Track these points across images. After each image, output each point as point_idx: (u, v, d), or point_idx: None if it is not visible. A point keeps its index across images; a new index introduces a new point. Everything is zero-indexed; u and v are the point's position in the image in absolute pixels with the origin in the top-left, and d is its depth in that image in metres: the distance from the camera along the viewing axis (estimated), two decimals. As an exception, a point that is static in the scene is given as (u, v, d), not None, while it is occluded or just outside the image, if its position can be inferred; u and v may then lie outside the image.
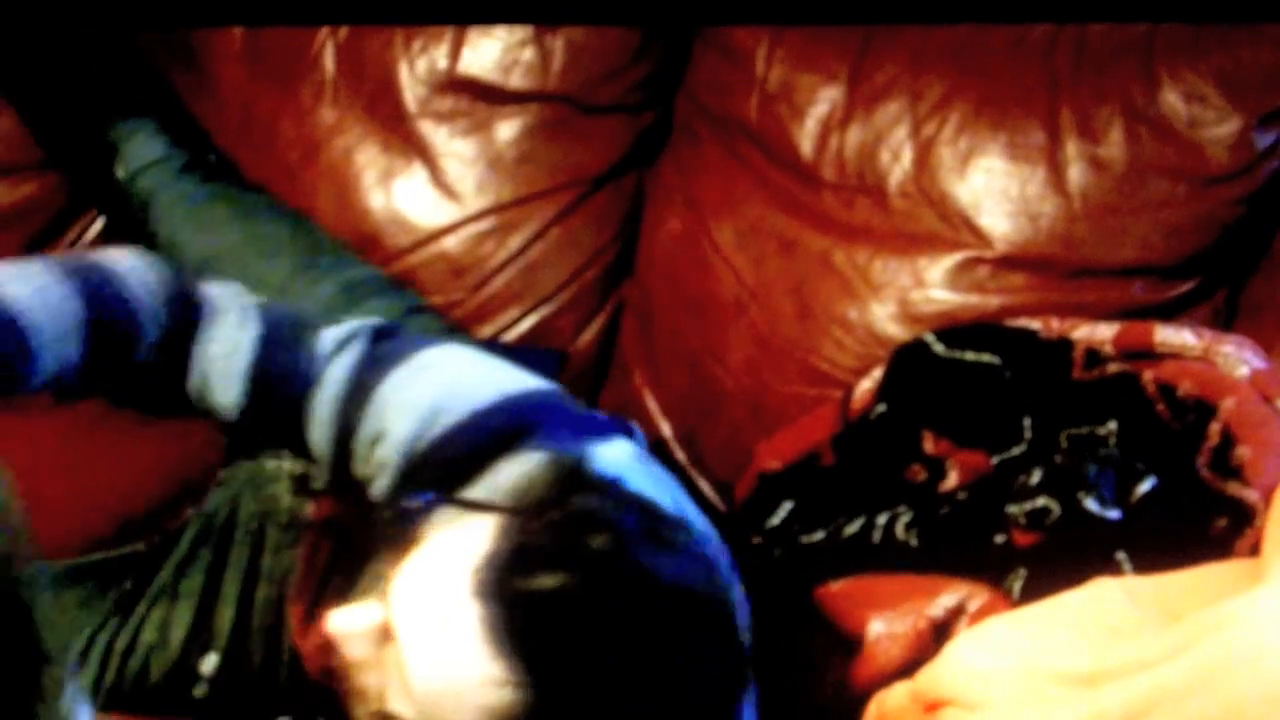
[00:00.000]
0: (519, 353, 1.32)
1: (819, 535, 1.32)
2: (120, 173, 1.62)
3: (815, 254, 1.52)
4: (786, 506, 1.37)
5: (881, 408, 1.37)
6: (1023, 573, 1.16)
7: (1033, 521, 1.18)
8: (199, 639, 1.22)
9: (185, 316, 1.10)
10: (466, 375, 1.11)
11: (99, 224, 1.74)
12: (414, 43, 1.66)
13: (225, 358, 1.09)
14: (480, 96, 1.66)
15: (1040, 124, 1.45)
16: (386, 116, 1.67)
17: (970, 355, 1.35)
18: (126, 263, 1.10)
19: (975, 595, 1.13)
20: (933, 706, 1.03)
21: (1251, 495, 1.11)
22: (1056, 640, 1.01)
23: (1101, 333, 1.30)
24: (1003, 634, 1.05)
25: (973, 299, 1.46)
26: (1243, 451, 1.13)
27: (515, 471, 1.01)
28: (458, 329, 1.60)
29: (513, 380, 1.12)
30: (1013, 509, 1.19)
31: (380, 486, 1.09)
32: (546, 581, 0.89)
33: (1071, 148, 1.44)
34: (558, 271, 1.66)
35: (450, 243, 1.65)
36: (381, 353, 1.11)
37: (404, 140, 1.66)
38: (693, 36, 1.68)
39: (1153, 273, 1.43)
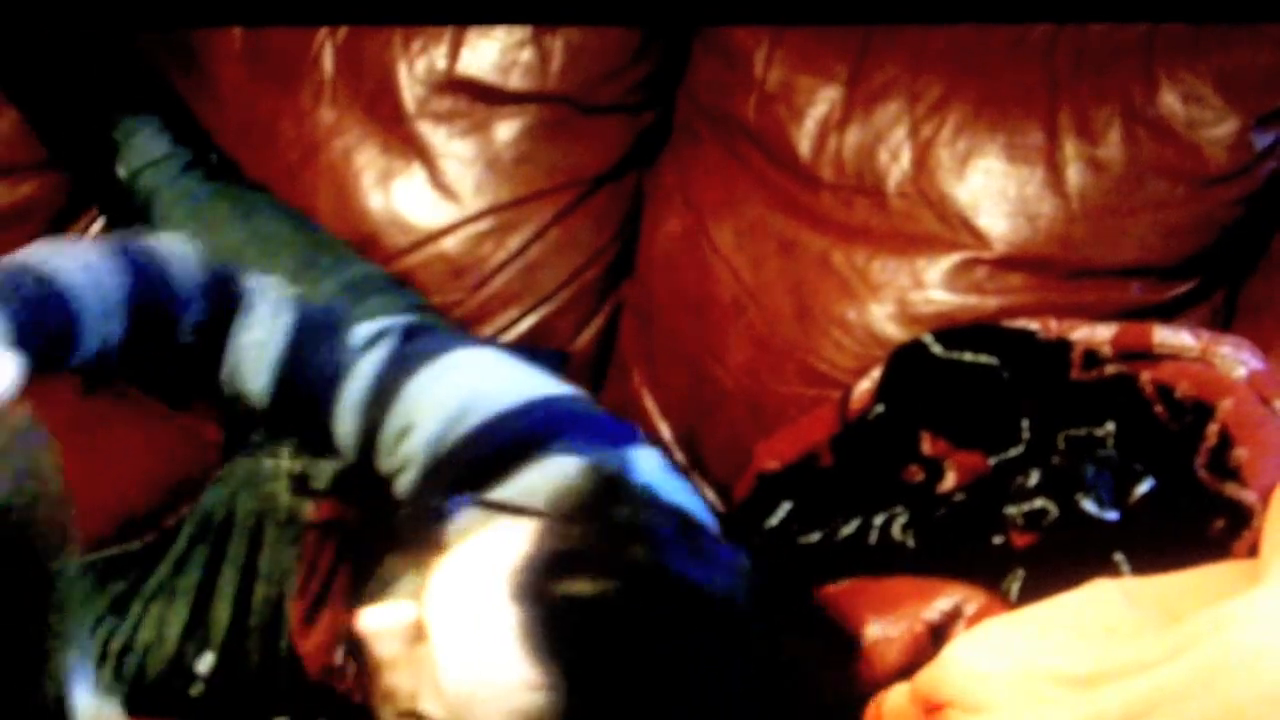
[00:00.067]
0: (520, 353, 1.32)
1: (816, 536, 1.32)
2: (121, 171, 1.62)
3: (814, 254, 1.52)
4: (785, 507, 1.37)
5: (880, 408, 1.37)
6: (1020, 574, 1.16)
7: (1030, 522, 1.18)
8: (195, 637, 1.22)
9: (224, 303, 1.11)
10: (494, 377, 1.12)
11: (99, 224, 1.74)
12: (413, 43, 1.66)
13: (258, 346, 1.10)
14: (479, 97, 1.66)
15: (1039, 124, 1.45)
16: (385, 117, 1.67)
17: (968, 356, 1.35)
18: (170, 247, 1.11)
19: (972, 598, 1.13)
20: (932, 708, 1.03)
21: (1249, 496, 1.11)
22: (1055, 641, 1.01)
23: (1100, 334, 1.30)
24: (1001, 635, 1.04)
25: (971, 300, 1.46)
26: (1240, 452, 1.13)
27: (548, 475, 1.02)
28: (458, 330, 1.60)
29: (539, 384, 1.13)
30: (1010, 510, 1.19)
31: (404, 483, 1.09)
32: (585, 588, 0.90)
33: (1070, 148, 1.44)
34: (557, 272, 1.66)
35: (449, 243, 1.65)
36: (412, 350, 1.12)
37: (403, 141, 1.66)
38: (692, 37, 1.68)
39: (1151, 273, 1.43)
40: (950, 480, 1.29)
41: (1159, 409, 1.21)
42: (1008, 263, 1.45)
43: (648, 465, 1.07)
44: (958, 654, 1.04)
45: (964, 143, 1.48)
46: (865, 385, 1.41)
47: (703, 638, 0.92)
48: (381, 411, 1.09)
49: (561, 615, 0.89)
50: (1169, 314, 1.43)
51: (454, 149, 1.66)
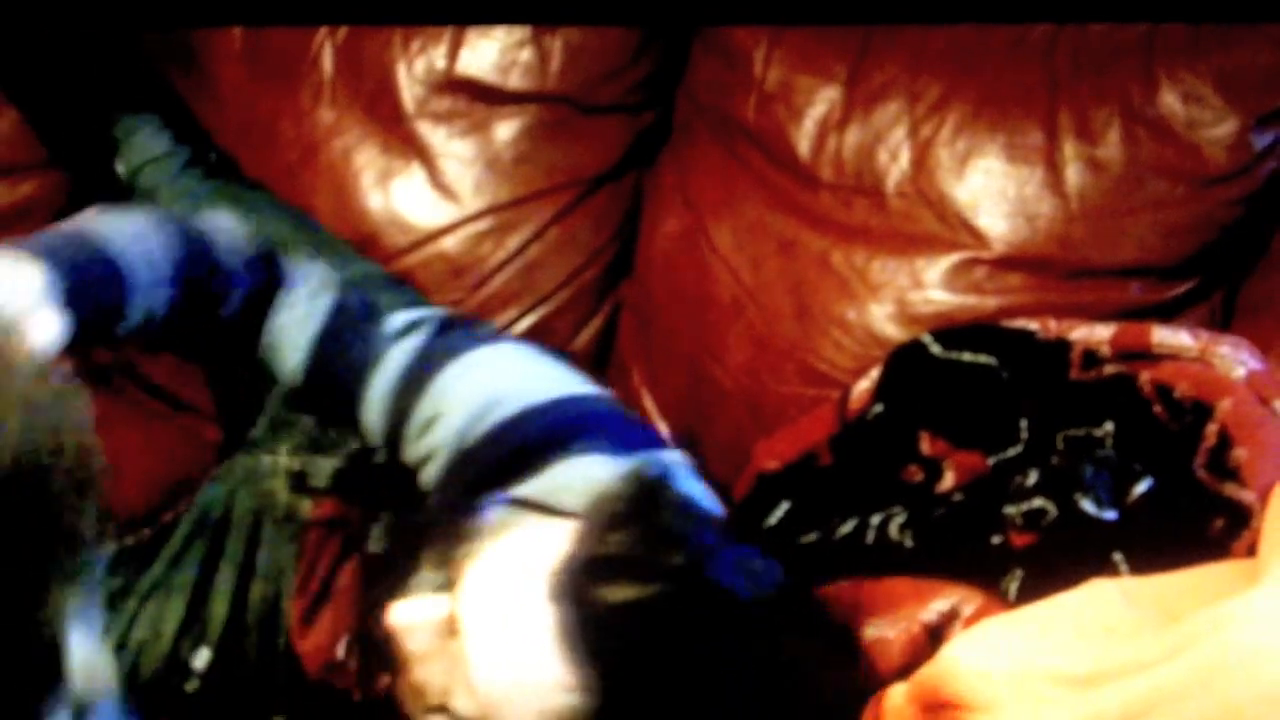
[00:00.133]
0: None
1: (813, 536, 1.32)
2: (121, 169, 1.62)
3: (813, 254, 1.52)
4: (784, 507, 1.37)
5: (879, 408, 1.37)
6: (1019, 574, 1.16)
7: (1029, 522, 1.18)
8: (191, 633, 1.22)
9: (268, 281, 1.12)
10: (524, 373, 1.13)
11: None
12: (412, 43, 1.67)
13: (296, 325, 1.12)
14: (479, 97, 1.66)
15: (1038, 125, 1.45)
16: (385, 117, 1.67)
17: (967, 356, 1.35)
18: (219, 223, 1.12)
19: (970, 599, 1.13)
20: (930, 708, 1.03)
21: (1248, 496, 1.11)
22: (1053, 641, 1.01)
23: (1099, 333, 1.30)
24: (1000, 635, 1.04)
25: (970, 299, 1.46)
26: (1239, 453, 1.13)
27: (577, 474, 1.02)
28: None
29: (569, 383, 1.13)
30: (1009, 510, 1.19)
31: (430, 475, 1.10)
32: (625, 592, 0.90)
33: (1070, 148, 1.44)
34: (556, 272, 1.66)
35: (449, 243, 1.65)
36: (445, 342, 1.13)
37: (402, 140, 1.66)
38: (691, 37, 1.68)
39: (1150, 273, 1.43)
40: (949, 480, 1.29)
41: (1158, 409, 1.21)
42: (1007, 263, 1.45)
43: (683, 472, 1.08)
44: (956, 653, 1.04)
45: (963, 143, 1.48)
46: (864, 385, 1.40)
47: (738, 647, 0.92)
48: (411, 400, 1.10)
49: (600, 619, 0.89)
50: (1168, 314, 1.43)
51: (453, 149, 1.66)
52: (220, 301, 1.10)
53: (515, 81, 1.65)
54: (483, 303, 1.65)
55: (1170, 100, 1.41)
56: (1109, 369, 1.26)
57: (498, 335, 1.17)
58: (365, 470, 1.27)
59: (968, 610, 1.13)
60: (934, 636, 1.12)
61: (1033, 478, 1.20)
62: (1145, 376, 1.23)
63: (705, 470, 1.55)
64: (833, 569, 1.24)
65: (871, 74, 1.54)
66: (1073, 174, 1.43)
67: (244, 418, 1.37)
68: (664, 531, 0.93)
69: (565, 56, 1.65)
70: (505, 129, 1.66)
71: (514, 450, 1.06)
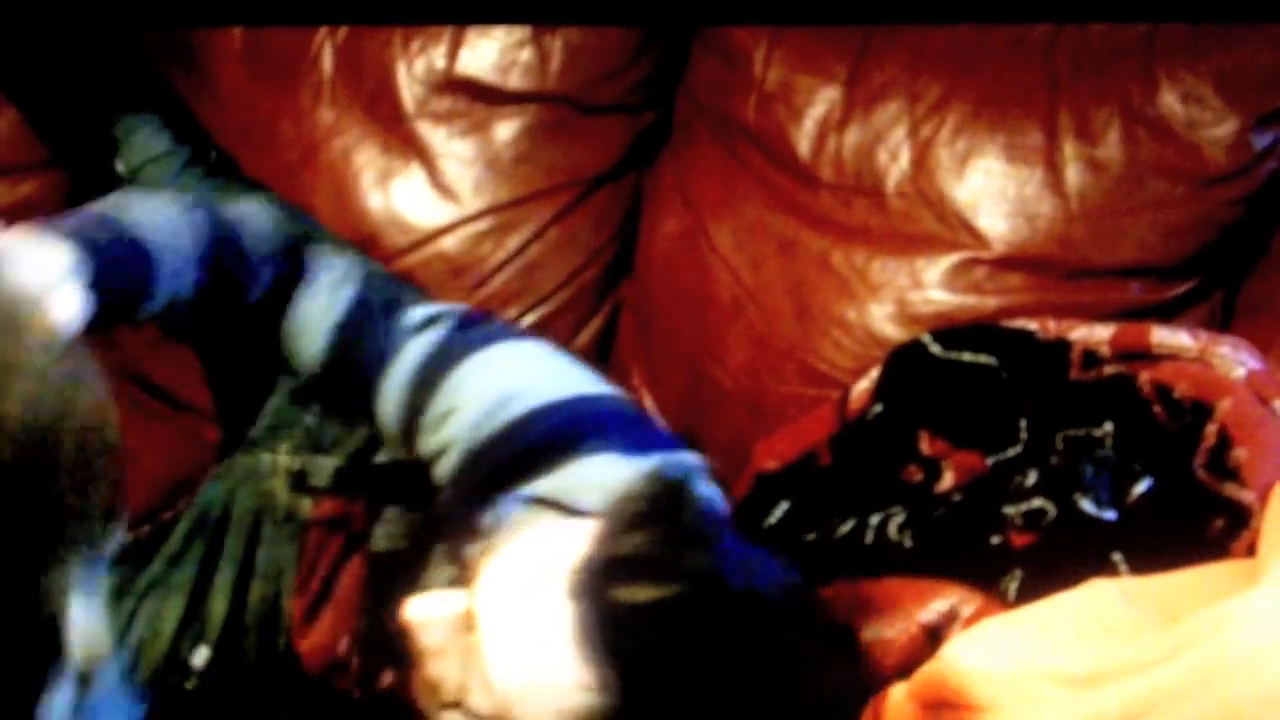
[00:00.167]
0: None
1: (813, 536, 1.32)
2: (121, 168, 1.62)
3: (813, 254, 1.52)
4: (783, 507, 1.37)
5: (878, 408, 1.37)
6: (1018, 574, 1.16)
7: (1029, 522, 1.18)
8: (190, 632, 1.22)
9: (293, 268, 1.13)
10: (542, 370, 1.13)
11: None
12: (412, 43, 1.66)
13: (318, 314, 1.13)
14: (478, 97, 1.66)
15: (1038, 125, 1.45)
16: (385, 117, 1.67)
17: (967, 356, 1.35)
18: (245, 209, 1.13)
19: (969, 600, 1.13)
20: (931, 708, 1.03)
21: (1248, 496, 1.11)
22: (1053, 641, 1.01)
23: (1099, 334, 1.30)
24: (999, 635, 1.04)
25: (970, 300, 1.46)
26: (1239, 453, 1.13)
27: (593, 473, 1.03)
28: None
29: (586, 382, 1.14)
30: (1009, 510, 1.19)
31: (444, 469, 1.10)
32: (645, 592, 0.89)
33: (1069, 148, 1.44)
34: (556, 272, 1.66)
35: (448, 243, 1.65)
36: (464, 337, 1.13)
37: (402, 140, 1.66)
38: (691, 37, 1.68)
39: (1150, 273, 1.43)
40: (948, 480, 1.29)
41: (1157, 409, 1.21)
42: (1007, 263, 1.45)
43: (700, 474, 1.08)
44: (956, 653, 1.04)
45: (963, 143, 1.48)
46: (864, 385, 1.40)
47: (757, 648, 0.92)
48: (427, 393, 1.10)
49: (619, 618, 0.89)
50: (1168, 314, 1.43)
51: (453, 149, 1.66)
52: (245, 288, 1.10)
53: (515, 81, 1.65)
54: (483, 303, 1.64)
55: (1170, 100, 1.41)
56: (1109, 369, 1.26)
57: (517, 332, 1.17)
58: (367, 469, 1.27)
59: (967, 611, 1.13)
60: (933, 637, 1.12)
61: (1032, 478, 1.20)
62: (1145, 377, 1.23)
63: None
64: (832, 569, 1.24)
65: (871, 74, 1.54)
66: (1073, 174, 1.43)
67: (244, 418, 1.37)
68: (685, 532, 0.93)
69: (565, 56, 1.65)
70: (505, 129, 1.66)
71: (529, 446, 1.06)
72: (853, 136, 1.53)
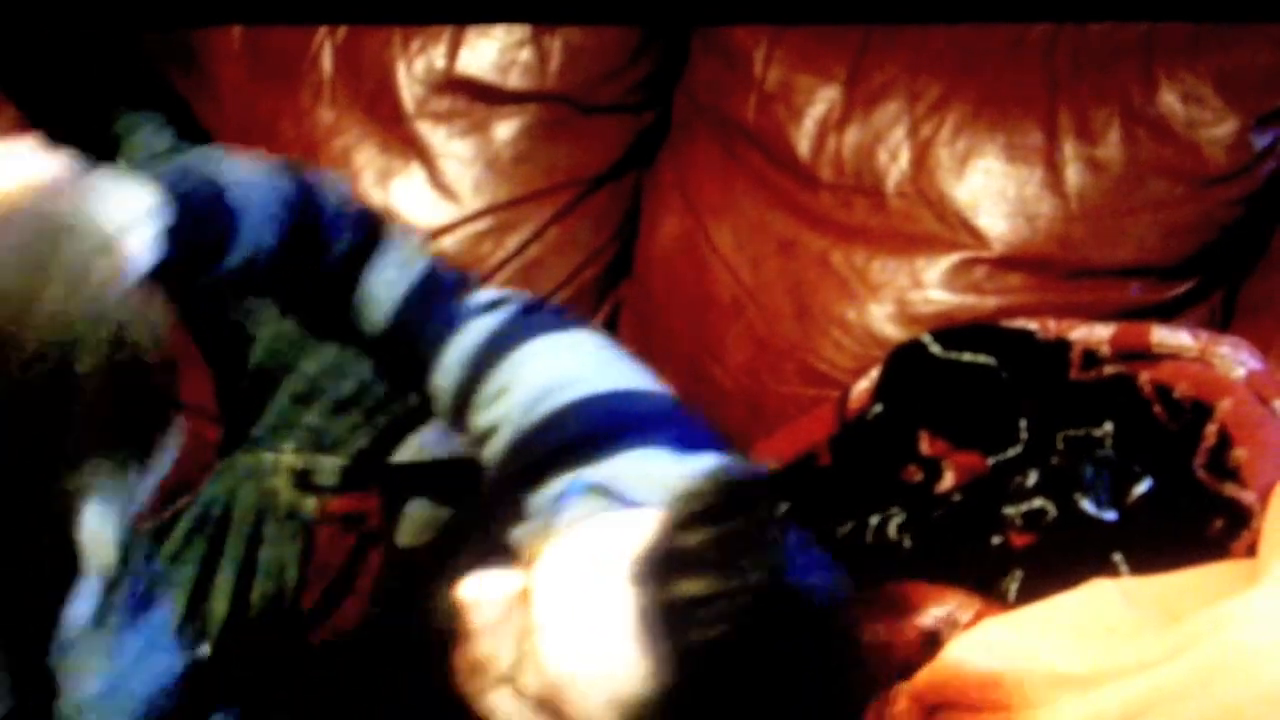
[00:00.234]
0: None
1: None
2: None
3: (813, 254, 1.52)
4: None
5: (878, 408, 1.37)
6: (1019, 574, 1.16)
7: (1029, 523, 1.18)
8: (191, 629, 1.22)
9: (369, 238, 1.14)
10: (599, 360, 1.13)
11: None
12: (412, 43, 1.66)
13: (388, 283, 1.14)
14: (478, 96, 1.66)
15: (1038, 124, 1.45)
16: (385, 116, 1.67)
17: (967, 356, 1.34)
18: (326, 176, 1.14)
19: (967, 606, 1.13)
20: (931, 709, 1.03)
21: (1248, 496, 1.11)
22: (1053, 641, 1.01)
23: (1099, 334, 1.30)
24: (1000, 636, 1.04)
25: (970, 299, 1.46)
26: (1239, 453, 1.13)
27: (647, 466, 1.03)
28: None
29: (641, 378, 1.14)
30: (1009, 510, 1.19)
31: (493, 449, 1.09)
32: (707, 585, 0.88)
33: (1069, 148, 1.44)
34: (556, 271, 1.66)
35: (448, 243, 1.65)
36: (527, 321, 1.14)
37: (402, 140, 1.66)
38: (691, 36, 1.68)
39: (1150, 273, 1.43)
40: (948, 480, 1.29)
41: (1158, 409, 1.21)
42: (1006, 263, 1.45)
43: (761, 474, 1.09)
44: (957, 654, 1.04)
45: (963, 143, 1.48)
46: (864, 385, 1.40)
47: (813, 648, 0.91)
48: (484, 370, 1.10)
49: (681, 607, 0.88)
50: (1168, 314, 1.43)
51: (453, 149, 1.66)
52: (323, 252, 1.11)
53: (515, 81, 1.65)
54: (482, 302, 1.65)
55: (1170, 100, 1.41)
56: (1109, 369, 1.26)
57: (577, 323, 1.18)
58: (386, 468, 1.27)
59: (965, 616, 1.12)
60: (931, 642, 1.11)
61: (1032, 478, 1.20)
62: (1145, 376, 1.23)
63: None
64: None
65: (871, 74, 1.54)
66: (1073, 174, 1.43)
67: (245, 417, 1.37)
68: (750, 530, 0.92)
69: (565, 56, 1.65)
70: (505, 129, 1.66)
71: (579, 434, 1.06)
72: (852, 136, 1.53)
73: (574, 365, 1.10)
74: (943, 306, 1.46)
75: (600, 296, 1.69)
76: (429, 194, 1.66)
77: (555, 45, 1.65)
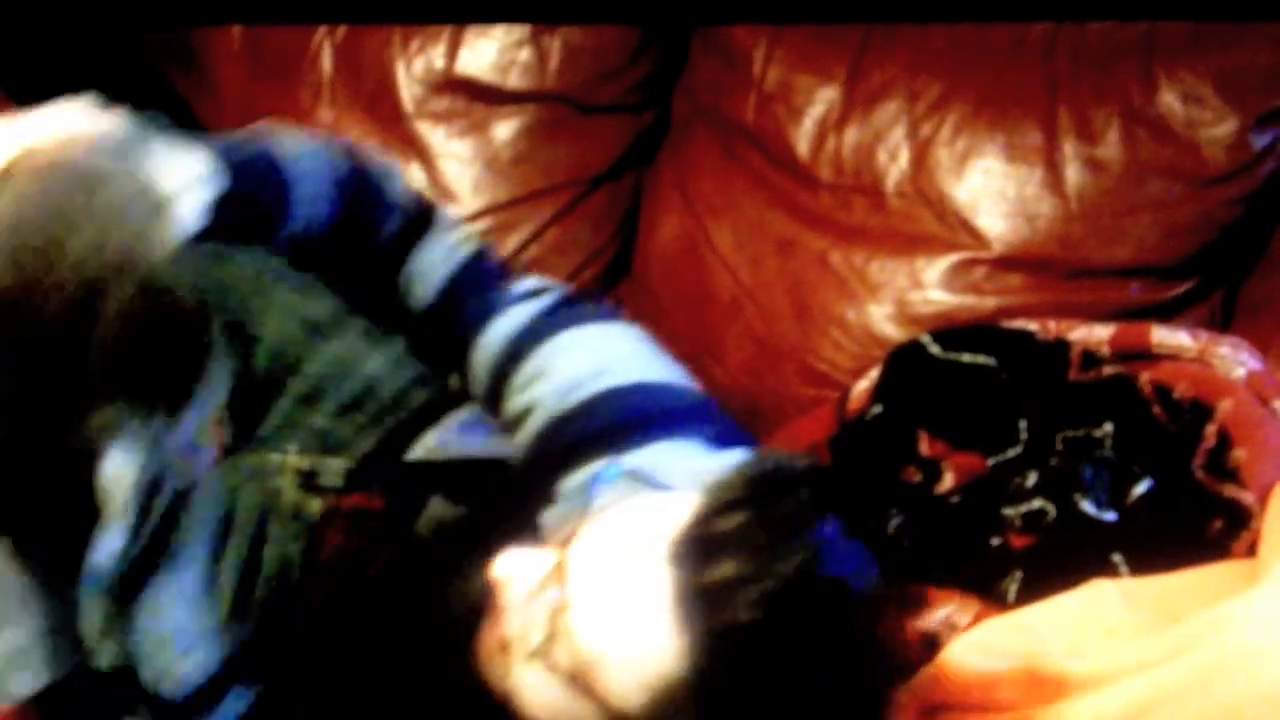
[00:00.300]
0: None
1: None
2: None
3: (813, 254, 1.52)
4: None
5: (878, 409, 1.36)
6: (1018, 575, 1.16)
7: (1028, 523, 1.18)
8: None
9: (421, 219, 1.17)
10: (636, 352, 1.15)
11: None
12: (411, 43, 1.67)
13: (436, 263, 1.17)
14: (477, 96, 1.66)
15: (1038, 124, 1.45)
16: (384, 116, 1.67)
17: (966, 357, 1.34)
18: (379, 160, 1.16)
19: (966, 607, 1.12)
20: (931, 710, 1.03)
21: (1248, 497, 1.11)
22: (1053, 643, 1.01)
23: (1098, 334, 1.30)
24: (999, 637, 1.04)
25: (969, 300, 1.46)
26: (1239, 453, 1.13)
27: (681, 456, 1.03)
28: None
29: (675, 374, 1.15)
30: (1008, 511, 1.19)
31: (526, 431, 1.10)
32: (745, 569, 0.88)
33: (1069, 148, 1.44)
34: (555, 271, 1.66)
35: (448, 243, 1.65)
36: (568, 310, 1.16)
37: (401, 140, 1.66)
38: (690, 36, 1.68)
39: (1150, 273, 1.43)
40: (948, 481, 1.29)
41: (1157, 409, 1.21)
42: (1006, 263, 1.45)
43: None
44: (957, 655, 1.04)
45: (963, 142, 1.48)
46: (863, 385, 1.40)
47: (839, 637, 0.92)
48: (522, 355, 1.12)
49: (717, 592, 0.88)
50: (1168, 314, 1.43)
51: (452, 148, 1.66)
52: (375, 229, 1.13)
53: (514, 81, 1.65)
54: (482, 303, 1.65)
55: (1170, 100, 1.41)
56: (1108, 369, 1.26)
57: (617, 316, 1.20)
58: (403, 466, 1.27)
59: (964, 619, 1.12)
60: (930, 645, 1.11)
61: (1032, 479, 1.20)
62: (1145, 377, 1.23)
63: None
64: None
65: (871, 74, 1.54)
66: (1072, 174, 1.43)
67: (249, 418, 1.37)
68: (787, 516, 0.93)
69: (564, 56, 1.65)
70: (504, 129, 1.66)
71: (613, 422, 1.07)
72: (852, 136, 1.53)
73: (611, 355, 1.12)
74: (942, 307, 1.46)
75: (600, 297, 1.69)
76: (428, 194, 1.66)
77: (555, 45, 1.65)
